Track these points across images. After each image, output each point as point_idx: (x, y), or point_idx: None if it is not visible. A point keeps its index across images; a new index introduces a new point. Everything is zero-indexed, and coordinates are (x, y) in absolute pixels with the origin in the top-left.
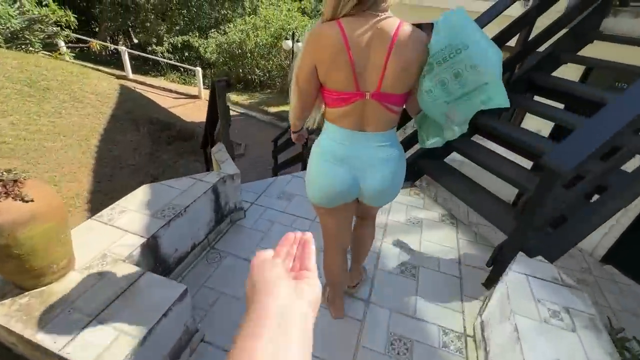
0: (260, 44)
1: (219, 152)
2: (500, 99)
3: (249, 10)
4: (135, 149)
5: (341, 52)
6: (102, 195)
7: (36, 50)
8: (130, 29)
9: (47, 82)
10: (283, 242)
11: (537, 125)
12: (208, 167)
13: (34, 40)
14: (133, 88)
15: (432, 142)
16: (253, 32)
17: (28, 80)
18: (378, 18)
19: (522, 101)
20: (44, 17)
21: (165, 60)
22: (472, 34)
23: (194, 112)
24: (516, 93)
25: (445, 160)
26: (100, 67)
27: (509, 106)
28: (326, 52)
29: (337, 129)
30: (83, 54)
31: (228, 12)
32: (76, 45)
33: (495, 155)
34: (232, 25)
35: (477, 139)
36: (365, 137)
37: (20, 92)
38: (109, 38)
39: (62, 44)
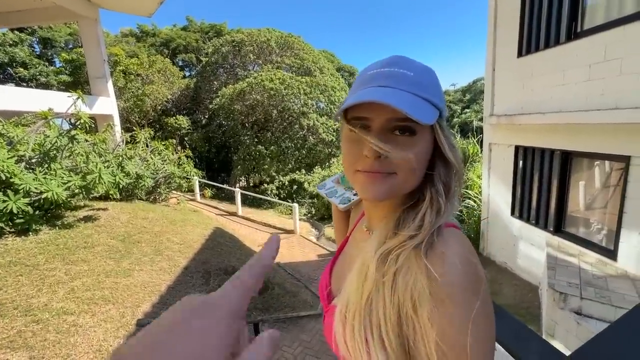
0: None
1: None
2: None
3: None
4: None
5: None
6: None
7: (163, 199)
8: (252, 172)
9: (141, 235)
10: None
11: None
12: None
13: (162, 191)
14: (231, 230)
15: None
16: None
17: (125, 235)
18: None
19: None
20: (171, 175)
21: (266, 198)
22: None
23: (284, 249)
24: None
25: None
26: (222, 204)
27: None
28: None
29: None
30: (216, 193)
31: (334, 151)
32: (221, 186)
33: None
34: (336, 161)
35: None
36: None
37: (110, 249)
38: (240, 179)
39: (197, 190)
